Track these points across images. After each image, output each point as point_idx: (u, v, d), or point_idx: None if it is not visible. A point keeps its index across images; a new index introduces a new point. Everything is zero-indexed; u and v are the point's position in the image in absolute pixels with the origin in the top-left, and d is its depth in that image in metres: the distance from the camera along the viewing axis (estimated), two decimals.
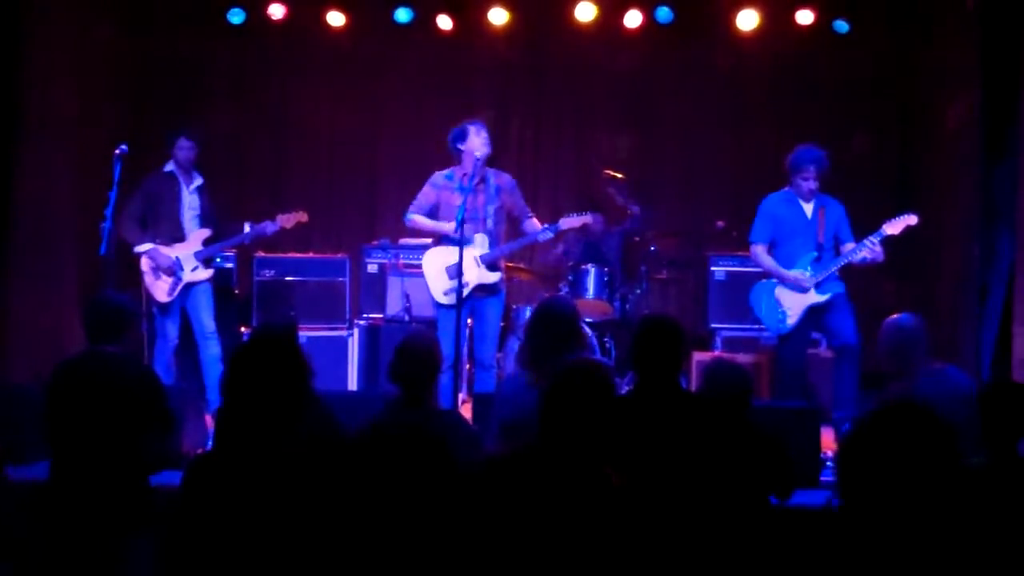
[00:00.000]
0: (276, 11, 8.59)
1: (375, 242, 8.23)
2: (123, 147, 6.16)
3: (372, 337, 7.76)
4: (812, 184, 6.28)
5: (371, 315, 7.91)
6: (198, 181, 6.79)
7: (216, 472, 2.91)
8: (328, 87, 9.13)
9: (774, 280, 6.34)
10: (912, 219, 6.11)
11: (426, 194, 6.36)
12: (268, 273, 7.85)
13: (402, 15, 8.60)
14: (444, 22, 8.71)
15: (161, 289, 6.59)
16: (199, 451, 5.28)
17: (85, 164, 6.61)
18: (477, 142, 6.17)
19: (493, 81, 9.17)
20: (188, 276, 6.62)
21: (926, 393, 4.15)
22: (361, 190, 9.25)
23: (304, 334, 7.15)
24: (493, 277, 6.23)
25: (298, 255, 8.06)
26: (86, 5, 7.69)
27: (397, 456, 2.76)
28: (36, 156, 7.06)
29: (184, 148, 6.69)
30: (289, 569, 2.79)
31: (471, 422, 5.20)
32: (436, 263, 6.32)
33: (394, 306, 7.79)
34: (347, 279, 7.92)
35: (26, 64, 6.94)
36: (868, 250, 6.14)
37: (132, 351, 4.55)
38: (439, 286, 6.28)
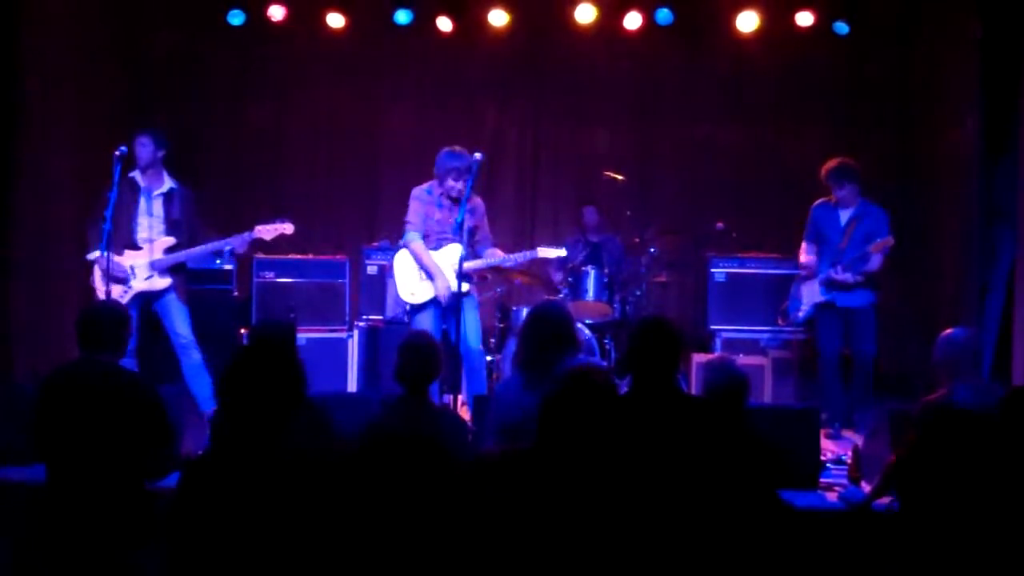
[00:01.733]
0: (276, 12, 8.59)
1: (375, 244, 8.23)
2: (123, 148, 6.13)
3: (372, 339, 7.75)
4: (838, 195, 6.79)
5: (370, 317, 7.90)
6: (164, 187, 6.45)
7: (212, 475, 2.90)
8: (328, 89, 9.13)
9: (802, 274, 6.92)
10: (889, 240, 6.66)
11: (416, 210, 6.40)
12: (268, 275, 7.84)
13: (402, 17, 8.59)
14: (444, 24, 8.71)
15: (112, 297, 6.19)
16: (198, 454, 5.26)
17: (85, 165, 6.59)
18: (452, 185, 6.25)
19: (492, 82, 9.17)
20: (140, 285, 6.32)
21: (963, 403, 4.16)
22: (361, 192, 9.24)
23: (304, 336, 7.15)
24: (464, 288, 6.23)
25: (298, 256, 8.05)
26: (86, 7, 7.70)
27: (397, 456, 2.75)
28: (37, 157, 7.06)
29: (142, 145, 6.34)
30: (287, 570, 2.79)
31: (470, 423, 5.22)
32: (408, 263, 6.41)
33: (393, 308, 7.78)
34: (347, 281, 7.91)
35: (26, 66, 6.94)
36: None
37: (125, 360, 4.50)
38: (408, 286, 6.37)
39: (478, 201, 6.51)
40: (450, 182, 6.27)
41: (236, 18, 8.61)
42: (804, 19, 8.53)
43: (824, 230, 6.83)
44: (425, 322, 6.24)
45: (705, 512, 3.37)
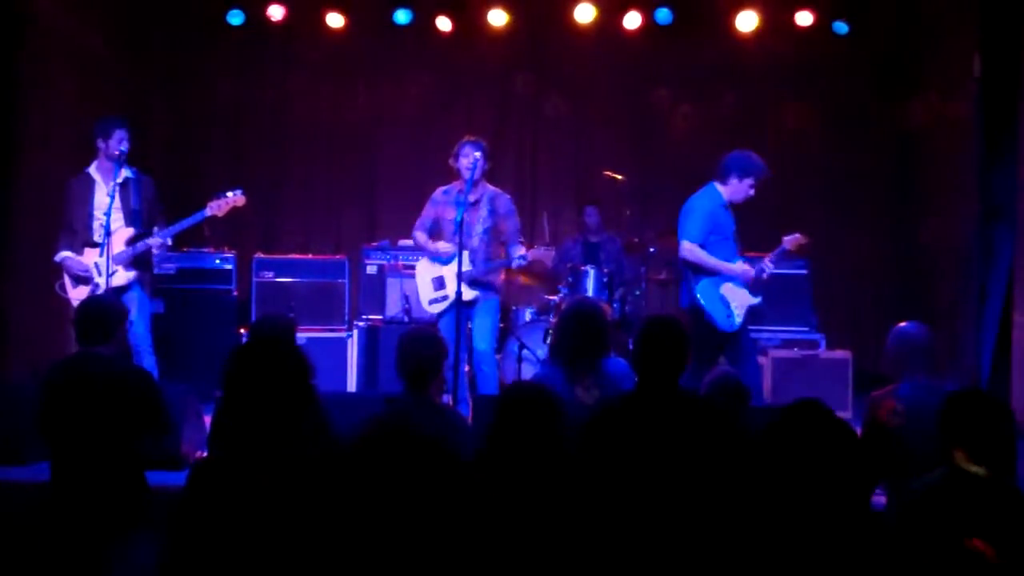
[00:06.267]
0: (275, 12, 8.59)
1: (374, 243, 8.23)
2: (122, 148, 6.12)
3: (371, 338, 7.74)
4: (742, 186, 6.12)
5: (370, 316, 7.90)
6: (120, 177, 6.11)
7: (221, 473, 2.89)
8: (327, 88, 9.14)
9: (718, 277, 6.09)
10: (801, 238, 6.22)
11: (427, 212, 6.55)
12: (267, 274, 7.84)
13: (401, 16, 8.60)
14: (443, 23, 8.71)
15: (77, 299, 5.88)
16: (199, 453, 5.27)
17: (84, 164, 6.57)
18: (464, 163, 6.31)
19: (492, 82, 9.17)
20: (105, 282, 5.99)
21: (912, 400, 4.15)
22: (360, 192, 9.25)
23: (303, 335, 7.15)
24: (471, 294, 6.35)
25: (297, 256, 8.06)
26: (87, 7, 7.70)
27: (397, 454, 2.75)
28: (36, 157, 7.06)
29: (123, 140, 6.12)
30: (292, 570, 2.78)
31: (471, 422, 5.22)
32: (424, 274, 6.58)
33: (393, 307, 7.79)
34: (346, 280, 7.92)
35: (26, 67, 6.94)
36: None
37: (121, 351, 4.52)
38: (425, 295, 6.56)
39: (503, 200, 6.49)
40: (462, 159, 6.30)
41: (236, 18, 8.61)
42: (804, 19, 8.53)
43: (724, 229, 6.14)
44: (447, 326, 6.26)
45: (709, 513, 3.37)
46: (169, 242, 6.30)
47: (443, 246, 6.42)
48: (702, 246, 6.06)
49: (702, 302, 6.03)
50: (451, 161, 6.40)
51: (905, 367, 4.34)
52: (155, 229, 6.17)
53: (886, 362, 4.49)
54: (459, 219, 5.99)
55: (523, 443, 3.24)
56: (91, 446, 3.93)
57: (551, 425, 3.30)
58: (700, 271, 6.05)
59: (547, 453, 3.24)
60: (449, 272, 6.30)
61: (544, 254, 6.65)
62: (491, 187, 6.53)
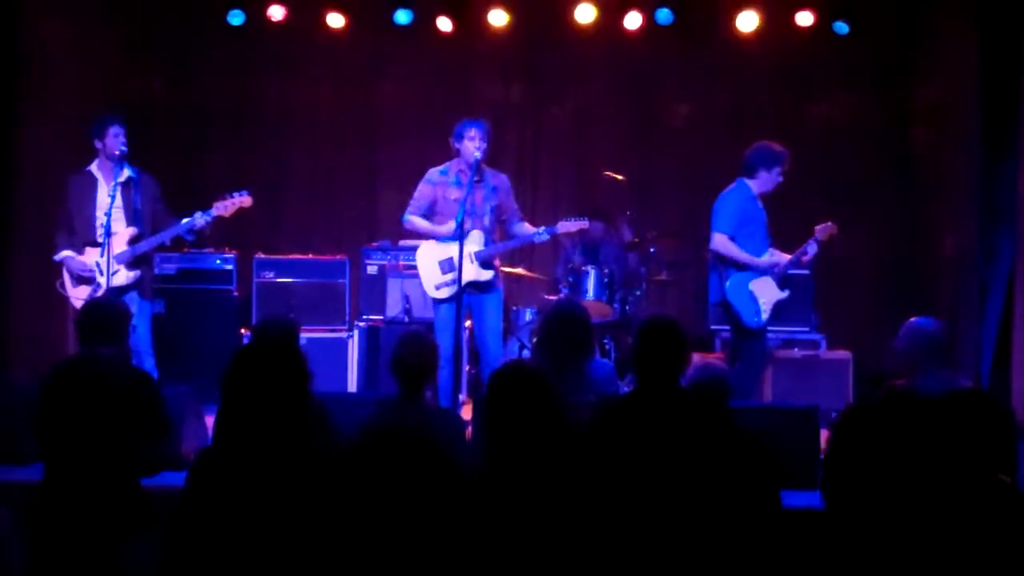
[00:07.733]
0: (276, 12, 8.59)
1: (375, 244, 8.23)
2: (123, 148, 6.12)
3: (372, 339, 7.75)
4: (771, 178, 6.18)
5: (371, 317, 7.91)
6: (123, 176, 6.09)
7: (220, 473, 2.89)
8: (328, 89, 9.14)
9: (748, 272, 6.13)
10: (833, 227, 6.25)
11: (422, 192, 6.34)
12: (268, 274, 7.85)
13: (402, 16, 8.59)
14: (444, 24, 8.71)
15: (78, 299, 5.93)
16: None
17: (85, 164, 6.58)
18: (470, 147, 6.16)
19: (493, 83, 9.17)
20: (107, 281, 5.95)
21: (928, 393, 4.12)
22: (361, 192, 9.25)
23: (304, 336, 7.15)
24: (487, 275, 6.21)
25: (298, 256, 8.06)
26: (86, 5, 7.70)
27: (396, 458, 2.75)
28: (36, 157, 7.07)
29: (118, 135, 6.09)
30: (292, 571, 2.78)
31: (471, 423, 5.22)
32: (429, 257, 6.32)
33: (394, 308, 7.79)
34: (347, 281, 7.92)
35: (26, 67, 6.95)
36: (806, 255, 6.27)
37: (124, 353, 4.51)
38: (431, 280, 6.28)
39: (502, 178, 6.41)
40: (467, 142, 6.16)
41: (236, 18, 8.61)
42: (804, 19, 8.53)
43: (756, 220, 6.18)
44: (449, 317, 6.10)
45: (707, 514, 3.37)
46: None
47: (443, 228, 6.22)
48: (732, 239, 6.09)
49: (730, 297, 6.08)
50: (452, 141, 6.27)
51: (917, 363, 4.28)
52: (197, 213, 6.14)
53: (896, 358, 4.42)
54: (461, 213, 5.86)
55: (520, 422, 3.18)
56: (88, 449, 3.90)
57: (547, 399, 3.24)
58: (731, 265, 6.07)
59: (547, 435, 3.19)
60: (464, 252, 6.01)
61: (576, 224, 6.35)
62: (487, 168, 6.38)
